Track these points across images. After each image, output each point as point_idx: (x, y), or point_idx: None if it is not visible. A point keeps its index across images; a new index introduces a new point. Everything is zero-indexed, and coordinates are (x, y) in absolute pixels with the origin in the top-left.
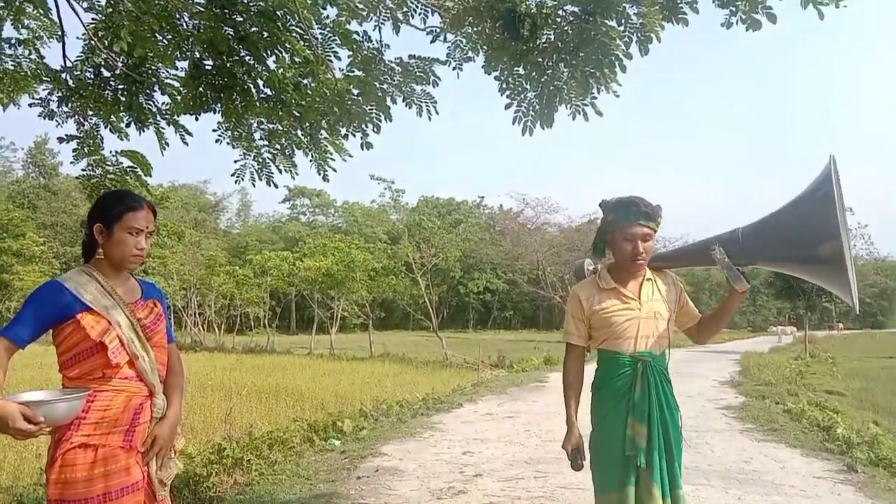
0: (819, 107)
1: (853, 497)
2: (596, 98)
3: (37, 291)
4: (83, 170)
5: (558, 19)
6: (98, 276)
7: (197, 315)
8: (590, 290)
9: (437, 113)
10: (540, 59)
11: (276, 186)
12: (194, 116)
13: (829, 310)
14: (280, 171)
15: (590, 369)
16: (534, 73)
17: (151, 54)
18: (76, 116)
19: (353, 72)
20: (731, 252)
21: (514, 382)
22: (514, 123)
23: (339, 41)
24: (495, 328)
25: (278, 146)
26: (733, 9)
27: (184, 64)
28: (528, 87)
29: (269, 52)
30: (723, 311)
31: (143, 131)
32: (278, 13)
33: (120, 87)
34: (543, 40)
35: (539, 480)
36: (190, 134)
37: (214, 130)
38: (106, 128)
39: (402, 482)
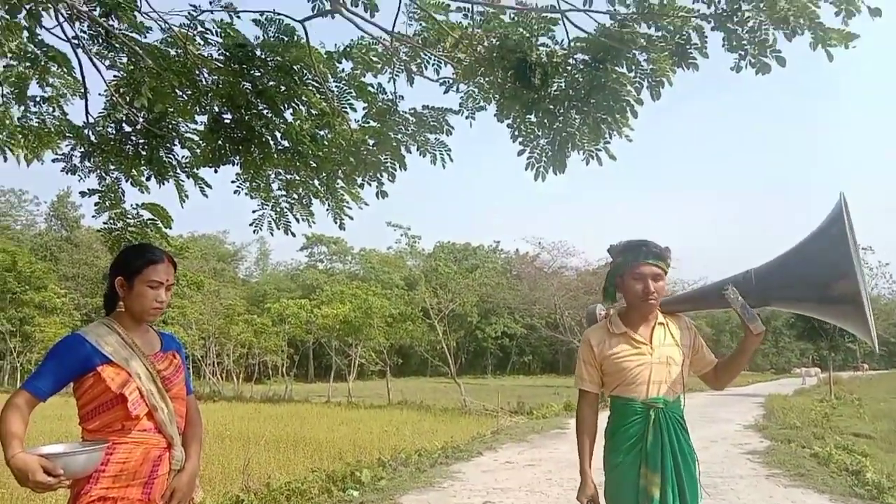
0: (836, 143)
1: None
2: (609, 143)
3: (58, 345)
4: (104, 223)
5: (569, 67)
6: (118, 328)
7: (215, 364)
8: (601, 335)
9: (452, 160)
10: (551, 107)
11: (294, 235)
12: (213, 169)
13: (853, 350)
14: (297, 220)
15: (604, 416)
16: (545, 121)
17: (171, 109)
18: (98, 171)
19: (369, 122)
20: (745, 293)
21: (535, 429)
22: (526, 169)
23: (354, 93)
24: (514, 373)
25: (296, 196)
26: (742, 52)
27: (203, 118)
28: (539, 133)
29: (286, 106)
30: (740, 355)
31: (163, 184)
32: (295, 67)
33: (141, 141)
34: (554, 88)
35: None
36: (209, 186)
37: (233, 182)
38: (127, 181)
39: None
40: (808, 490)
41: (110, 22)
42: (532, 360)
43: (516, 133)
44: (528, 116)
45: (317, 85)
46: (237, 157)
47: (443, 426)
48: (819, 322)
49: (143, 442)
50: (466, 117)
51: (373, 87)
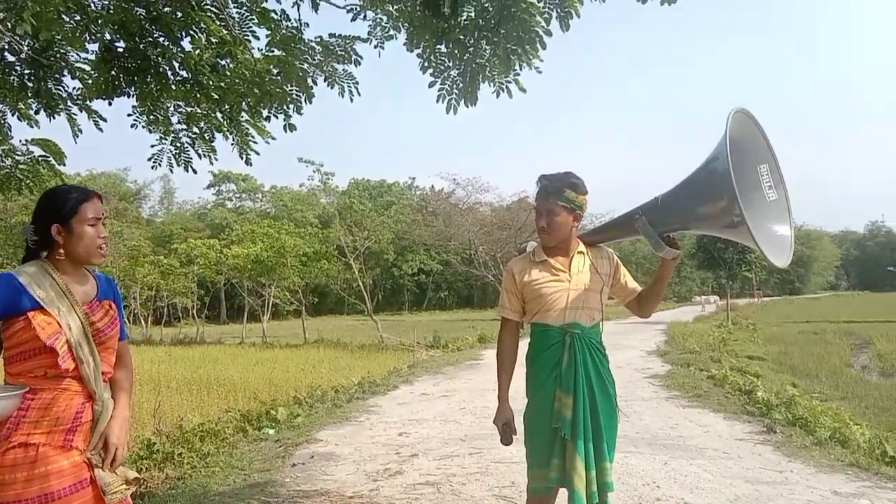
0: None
1: (772, 456)
2: (519, 74)
3: None
4: None
5: None
6: (54, 273)
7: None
8: (523, 264)
9: (360, 94)
10: (461, 37)
11: (195, 172)
12: (107, 101)
13: (749, 279)
14: (199, 156)
15: (525, 344)
16: (456, 51)
17: (59, 37)
18: None
19: (273, 52)
20: (655, 220)
21: (450, 362)
22: (438, 101)
23: (256, 20)
24: (430, 309)
25: (197, 130)
26: None
27: (94, 47)
28: (450, 64)
29: (183, 33)
30: (658, 281)
31: (54, 118)
32: None
33: (27, 72)
34: (464, 17)
35: (474, 457)
36: (104, 119)
37: (129, 115)
38: (13, 115)
39: (337, 467)
40: (705, 409)
41: None
42: (448, 296)
43: (426, 64)
44: (438, 47)
45: (216, 11)
46: (132, 89)
47: (360, 363)
48: (719, 252)
49: (66, 388)
50: (375, 46)
51: (276, 13)
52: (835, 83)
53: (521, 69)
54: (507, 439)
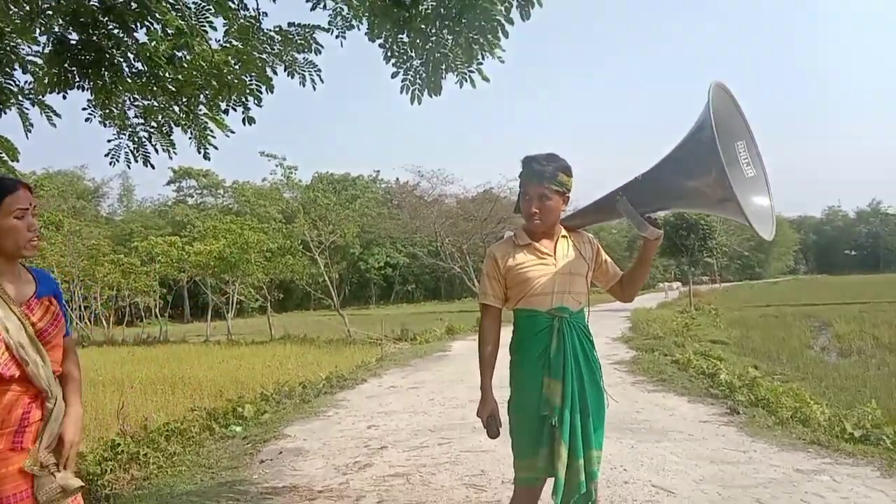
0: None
1: (736, 437)
2: (482, 64)
3: None
4: None
5: None
6: None
7: (82, 309)
8: (505, 248)
9: (322, 81)
10: (423, 26)
11: (153, 167)
12: (61, 95)
13: (710, 264)
14: (157, 151)
15: (507, 333)
16: (418, 41)
17: (7, 28)
18: None
19: (231, 42)
20: (636, 200)
21: (418, 354)
22: (401, 92)
23: (213, 10)
24: (398, 302)
25: (154, 124)
26: None
27: (45, 39)
28: (413, 54)
29: (138, 24)
30: (641, 263)
31: (4, 113)
32: None
33: None
34: (426, 6)
35: (443, 447)
36: (57, 115)
37: (84, 109)
38: None
39: (306, 462)
40: (669, 393)
41: None
42: (416, 289)
43: (388, 54)
44: (399, 36)
45: (171, 1)
46: (86, 82)
47: (327, 357)
48: (680, 240)
49: (10, 390)
50: (336, 36)
51: (233, 2)
52: (791, 68)
53: (483, 59)
54: (492, 432)
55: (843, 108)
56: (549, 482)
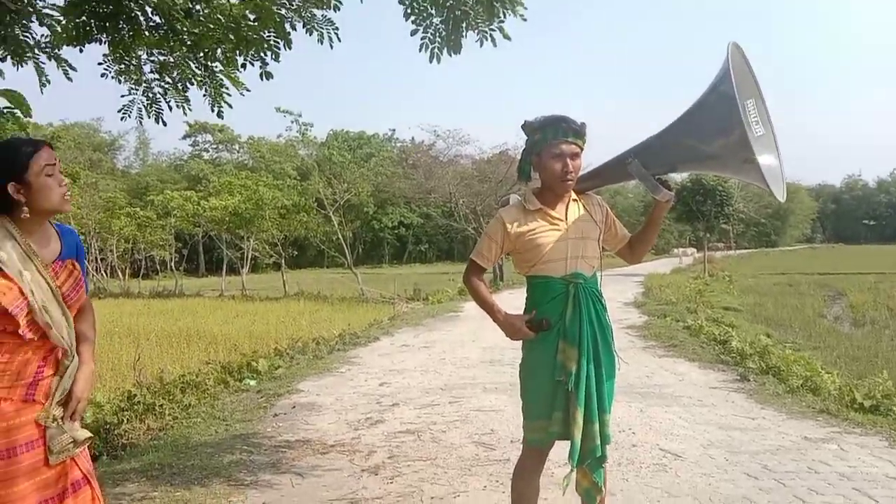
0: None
1: (745, 404)
2: (503, 22)
3: None
4: None
5: None
6: (16, 231)
7: (98, 261)
8: (515, 213)
9: (340, 40)
10: None
11: (165, 124)
12: (78, 49)
13: (726, 231)
14: (171, 108)
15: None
16: None
17: None
18: None
19: None
20: (648, 162)
21: (430, 314)
22: (420, 50)
23: None
24: (411, 262)
25: (170, 80)
26: None
27: None
28: (433, 12)
29: None
30: (651, 225)
31: (21, 67)
32: None
33: None
34: None
35: (454, 405)
36: (73, 69)
37: (100, 64)
38: None
39: (319, 416)
40: (680, 359)
41: None
42: (428, 249)
43: (409, 11)
44: None
45: None
46: (104, 35)
47: (340, 315)
48: (697, 205)
49: (28, 344)
50: None
51: None
52: (812, 31)
53: (505, 17)
54: (542, 325)
55: (869, 73)
56: (558, 444)
